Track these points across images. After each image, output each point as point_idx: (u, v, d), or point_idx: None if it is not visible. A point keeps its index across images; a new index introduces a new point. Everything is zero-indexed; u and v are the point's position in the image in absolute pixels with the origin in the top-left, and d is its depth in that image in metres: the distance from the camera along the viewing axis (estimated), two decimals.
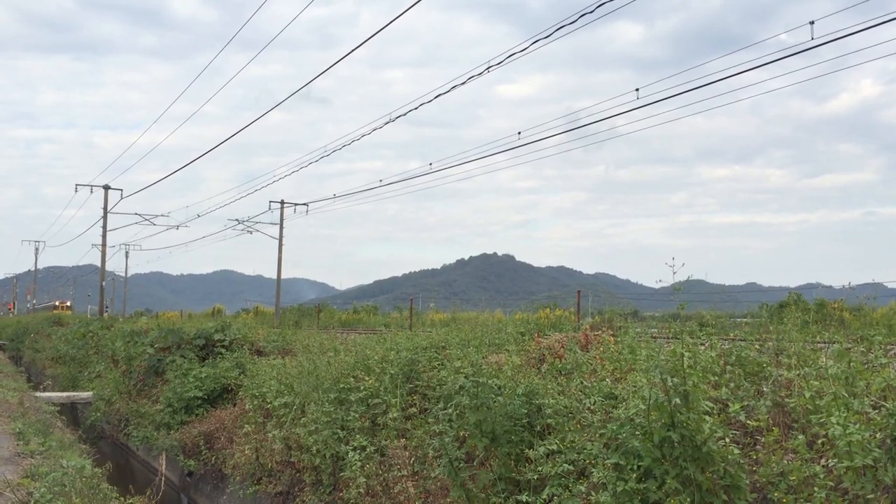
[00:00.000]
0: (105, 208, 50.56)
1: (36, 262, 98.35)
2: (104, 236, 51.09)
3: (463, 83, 18.83)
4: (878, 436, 5.97)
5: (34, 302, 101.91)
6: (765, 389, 8.09)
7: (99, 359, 30.01)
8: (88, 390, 27.15)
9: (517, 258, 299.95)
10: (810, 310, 12.57)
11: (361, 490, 10.70)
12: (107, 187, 50.60)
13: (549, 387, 9.45)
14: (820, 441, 6.54)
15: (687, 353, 7.03)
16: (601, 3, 14.31)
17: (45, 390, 28.64)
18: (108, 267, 59.53)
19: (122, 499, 11.06)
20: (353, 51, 17.93)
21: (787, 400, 7.56)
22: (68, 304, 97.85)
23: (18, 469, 11.81)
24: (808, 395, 6.99)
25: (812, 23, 14.24)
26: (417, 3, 14.68)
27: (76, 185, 51.01)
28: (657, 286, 8.18)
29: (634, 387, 8.12)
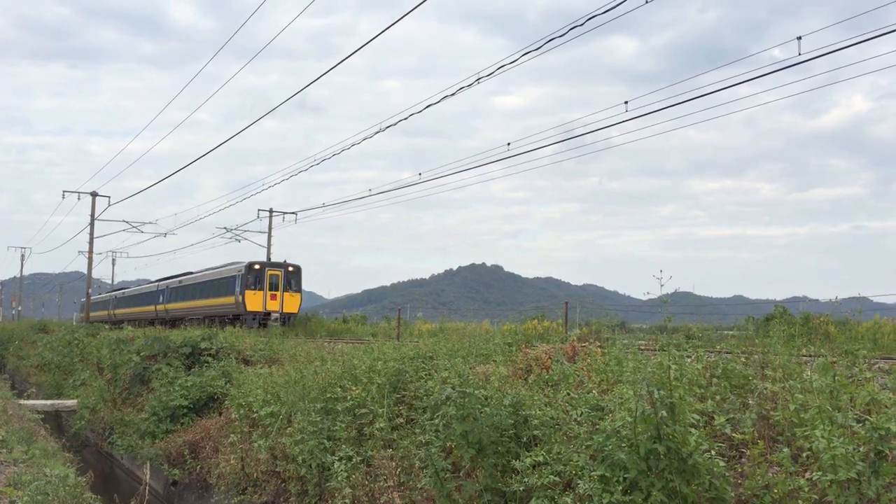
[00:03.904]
0: (92, 215, 50.36)
1: (21, 269, 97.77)
2: (91, 243, 50.84)
3: (453, 94, 18.94)
4: (861, 449, 6.01)
5: (19, 309, 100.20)
6: (750, 402, 8.13)
7: (84, 366, 29.78)
8: (73, 398, 26.95)
9: (506, 269, 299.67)
10: (796, 323, 12.65)
11: (347, 500, 10.65)
12: (94, 194, 50.41)
13: (536, 398, 9.46)
14: (804, 454, 6.57)
15: (673, 366, 7.05)
16: (591, 16, 14.43)
17: (29, 398, 28.39)
18: (95, 274, 58.63)
19: None
20: (346, 58, 17.99)
21: (772, 413, 7.59)
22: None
23: (1, 477, 11.70)
24: (792, 408, 7.03)
25: (799, 38, 14.39)
26: (414, 9, 14.75)
27: (63, 191, 50.75)
28: (645, 298, 8.22)
29: (621, 399, 8.14)
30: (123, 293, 61.50)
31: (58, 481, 10.80)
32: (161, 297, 48.12)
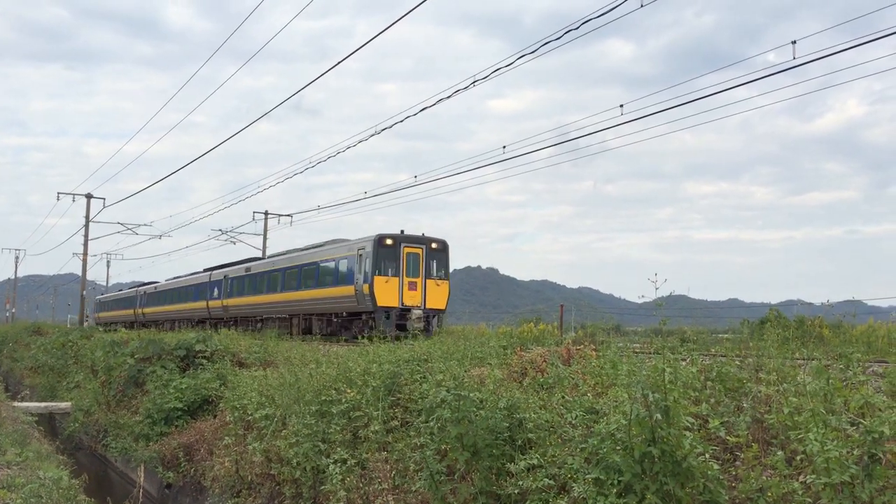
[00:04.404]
0: (87, 217, 50.28)
1: (16, 271, 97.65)
2: (85, 245, 50.79)
3: (448, 97, 18.99)
4: (855, 452, 6.02)
5: (13, 311, 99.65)
6: (745, 405, 8.14)
7: (78, 369, 29.74)
8: (67, 400, 26.89)
9: (501, 271, 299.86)
10: (790, 326, 12.67)
11: (342, 503, 10.64)
12: (89, 196, 50.33)
13: (531, 401, 9.45)
14: (798, 457, 6.58)
15: (668, 369, 7.06)
16: (586, 19, 14.48)
17: (22, 400, 28.34)
18: (90, 276, 57.61)
19: None
20: (343, 60, 18.02)
21: (766, 416, 7.60)
22: None
23: None
24: (787, 411, 7.03)
25: (794, 42, 14.45)
26: (411, 11, 14.77)
27: (58, 193, 50.68)
28: (640, 301, 8.26)
29: (616, 402, 8.14)
30: (156, 287, 50.47)
31: (51, 484, 10.78)
32: (216, 291, 37.24)
